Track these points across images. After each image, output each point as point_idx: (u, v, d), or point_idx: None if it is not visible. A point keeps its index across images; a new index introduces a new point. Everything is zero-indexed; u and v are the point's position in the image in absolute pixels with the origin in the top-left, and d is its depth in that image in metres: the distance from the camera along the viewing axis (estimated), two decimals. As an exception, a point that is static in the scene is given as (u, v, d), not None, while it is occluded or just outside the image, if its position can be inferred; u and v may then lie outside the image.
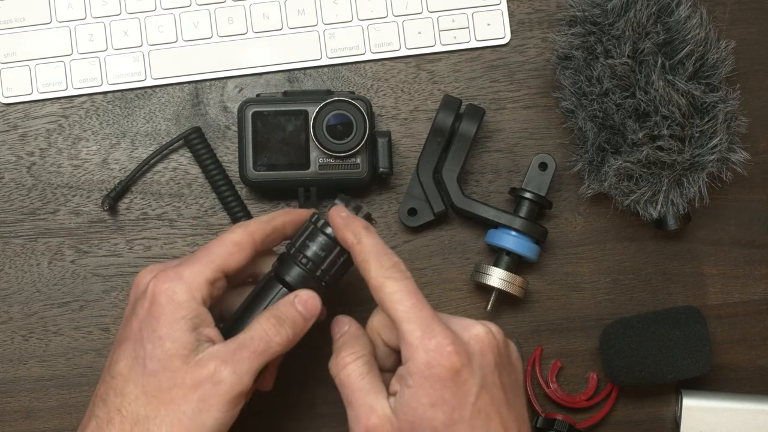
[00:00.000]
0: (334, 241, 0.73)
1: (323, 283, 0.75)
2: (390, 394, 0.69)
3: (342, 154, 0.82)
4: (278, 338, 0.72)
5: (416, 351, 0.67)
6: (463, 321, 0.70)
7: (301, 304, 0.73)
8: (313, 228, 0.74)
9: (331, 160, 0.83)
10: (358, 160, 0.83)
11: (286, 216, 0.76)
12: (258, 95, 0.84)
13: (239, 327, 0.74)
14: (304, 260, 0.74)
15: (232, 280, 0.75)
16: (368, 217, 0.74)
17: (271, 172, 0.83)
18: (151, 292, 0.71)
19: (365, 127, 0.81)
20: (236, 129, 0.87)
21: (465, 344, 0.67)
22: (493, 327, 0.70)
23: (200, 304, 0.71)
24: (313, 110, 0.82)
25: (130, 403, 0.69)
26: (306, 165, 0.83)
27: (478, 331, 0.68)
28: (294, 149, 0.83)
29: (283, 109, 0.82)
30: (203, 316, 0.71)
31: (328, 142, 0.82)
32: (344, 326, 0.74)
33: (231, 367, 0.70)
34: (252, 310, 0.75)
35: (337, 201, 0.73)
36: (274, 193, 0.86)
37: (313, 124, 0.81)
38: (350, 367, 0.70)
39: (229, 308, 0.77)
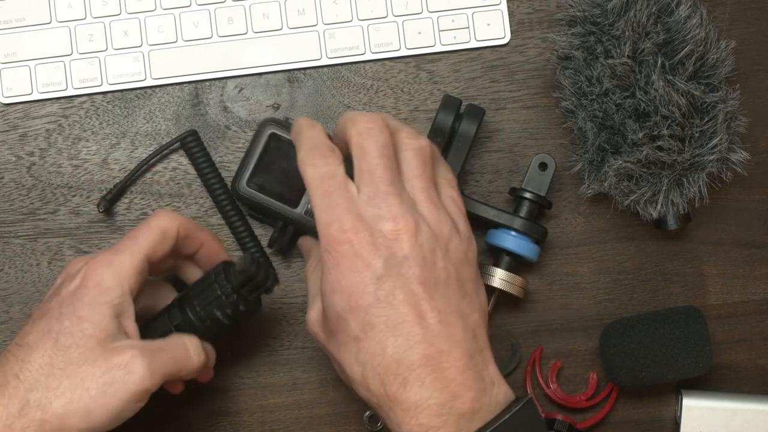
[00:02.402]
0: (233, 309, 0.75)
1: (215, 337, 0.77)
2: None
3: None
4: (194, 360, 0.73)
5: (322, 236, 0.67)
6: (381, 206, 0.67)
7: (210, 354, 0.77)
8: (217, 290, 0.75)
9: None
10: None
11: (211, 240, 0.78)
12: (286, 119, 0.84)
13: (151, 335, 0.75)
14: (202, 315, 0.75)
15: (151, 270, 0.76)
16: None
17: (260, 194, 0.82)
18: (82, 276, 0.72)
19: None
20: (236, 129, 0.87)
21: (369, 231, 0.67)
22: (419, 217, 0.68)
23: (126, 292, 0.72)
24: None
25: (30, 371, 0.69)
26: (295, 203, 0.82)
27: (383, 225, 0.67)
28: (291, 184, 0.82)
29: None
30: (126, 306, 0.72)
31: None
32: None
33: (147, 361, 0.70)
34: (161, 326, 0.76)
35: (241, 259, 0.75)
36: (254, 211, 0.85)
37: None
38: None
39: (143, 304, 0.77)
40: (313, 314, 0.71)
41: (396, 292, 0.66)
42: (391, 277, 0.66)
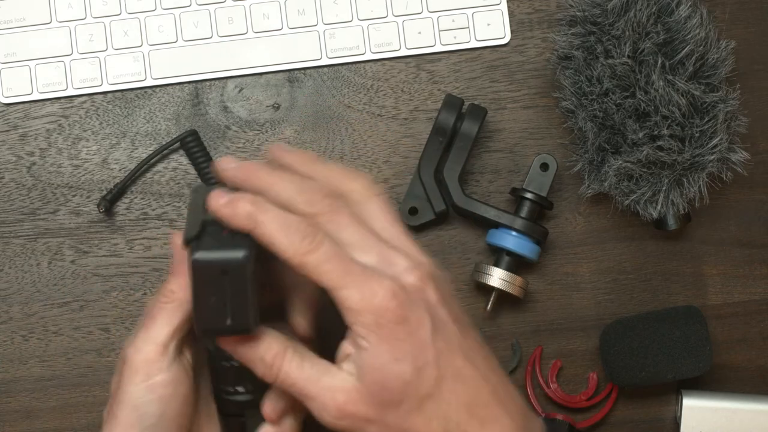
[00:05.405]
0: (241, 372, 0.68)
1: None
2: (340, 359, 0.66)
3: None
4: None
5: (361, 314, 0.62)
6: (395, 262, 0.65)
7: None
8: (220, 363, 0.69)
9: None
10: None
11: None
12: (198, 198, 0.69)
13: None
14: (253, 389, 0.70)
15: None
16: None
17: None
18: (122, 353, 0.68)
19: None
20: (236, 129, 0.87)
21: (405, 290, 0.63)
22: (423, 259, 0.66)
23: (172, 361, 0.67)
24: None
25: None
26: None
27: (407, 278, 0.64)
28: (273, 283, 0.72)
29: None
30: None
31: None
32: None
33: None
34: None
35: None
36: None
37: None
38: (285, 366, 0.66)
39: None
40: (346, 397, 0.65)
41: (449, 339, 0.65)
42: (438, 326, 0.64)
